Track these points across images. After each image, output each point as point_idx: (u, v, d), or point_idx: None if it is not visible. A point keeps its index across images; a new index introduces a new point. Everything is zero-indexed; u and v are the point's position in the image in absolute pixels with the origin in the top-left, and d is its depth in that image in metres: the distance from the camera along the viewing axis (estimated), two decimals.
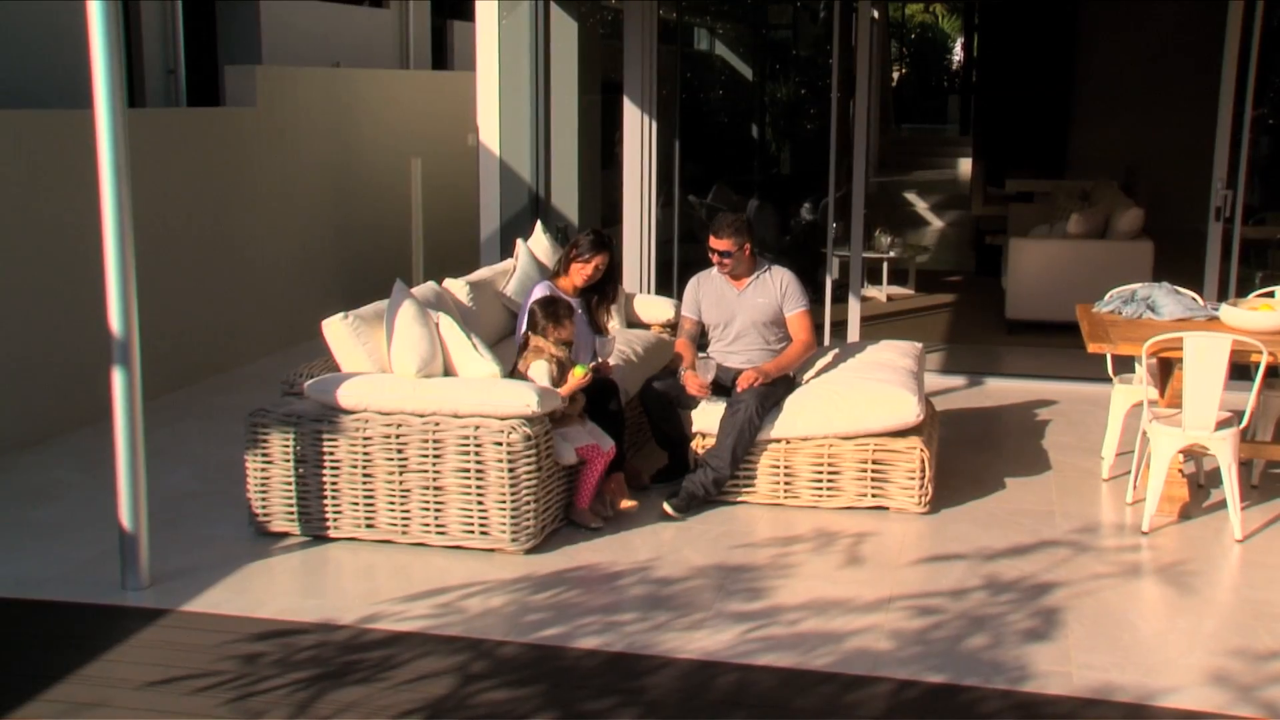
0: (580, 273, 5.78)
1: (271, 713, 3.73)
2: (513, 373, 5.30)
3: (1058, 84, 14.59)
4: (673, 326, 6.97)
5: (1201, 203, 11.87)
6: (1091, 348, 5.40)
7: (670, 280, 9.00)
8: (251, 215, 8.41)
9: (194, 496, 5.73)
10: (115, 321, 4.53)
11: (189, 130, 7.81)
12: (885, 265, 10.82)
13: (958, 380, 7.91)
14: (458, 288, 6.10)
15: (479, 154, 8.86)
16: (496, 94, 8.72)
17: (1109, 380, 7.36)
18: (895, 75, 29.23)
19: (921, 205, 17.91)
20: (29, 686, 3.89)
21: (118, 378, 4.55)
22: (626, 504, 5.40)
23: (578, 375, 5.23)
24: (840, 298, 8.42)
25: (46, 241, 6.61)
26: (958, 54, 32.38)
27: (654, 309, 7.03)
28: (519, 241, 6.73)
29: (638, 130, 8.58)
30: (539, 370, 5.21)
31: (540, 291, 5.68)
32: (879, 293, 10.79)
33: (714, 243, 5.70)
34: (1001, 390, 7.72)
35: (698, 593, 4.64)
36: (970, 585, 4.69)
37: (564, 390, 5.18)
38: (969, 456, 6.29)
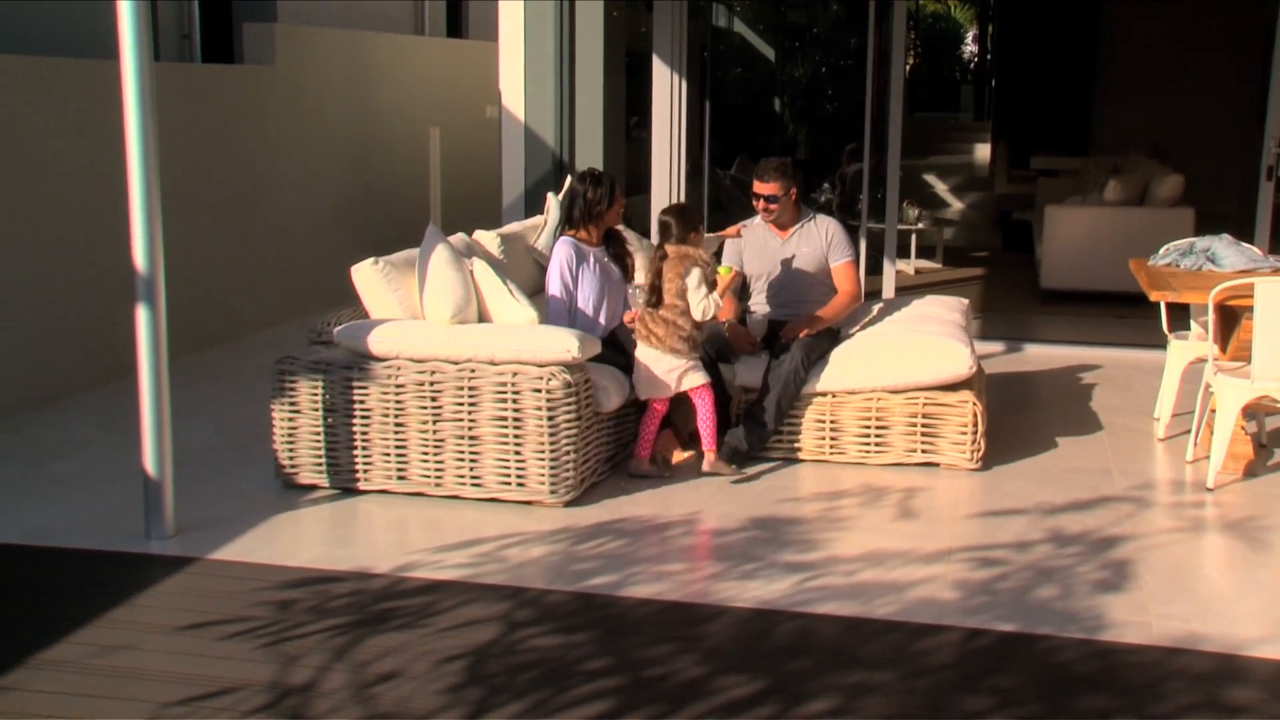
0: (615, 216, 5.49)
1: (308, 657, 3.52)
2: (653, 286, 5.04)
3: (1080, 62, 14.35)
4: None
5: (1232, 180, 11.70)
6: (1154, 296, 5.18)
7: None
8: (269, 178, 8.21)
9: (217, 452, 5.53)
10: (140, 258, 4.32)
11: (206, 87, 7.60)
12: (913, 238, 10.61)
13: (995, 347, 7.68)
14: (488, 239, 5.89)
15: (501, 120, 8.66)
16: (521, 58, 8.51)
17: (1154, 346, 7.17)
18: (908, 65, 29.00)
19: (941, 187, 17.69)
20: (56, 629, 3.69)
21: (142, 317, 4.35)
22: (680, 456, 5.18)
23: (726, 274, 4.98)
24: (872, 270, 8.23)
25: (67, 199, 6.41)
26: (970, 46, 32.23)
27: None
28: (550, 195, 6.52)
29: (666, 93, 8.36)
30: (697, 280, 4.96)
31: (563, 248, 5.41)
32: (907, 266, 10.57)
33: (758, 187, 5.49)
34: (1042, 356, 7.50)
35: (748, 544, 4.44)
36: (1033, 538, 4.48)
37: (721, 289, 4.98)
38: (1016, 418, 6.07)
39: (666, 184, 8.56)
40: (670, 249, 5.08)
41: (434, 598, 3.95)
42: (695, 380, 5.07)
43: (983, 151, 19.32)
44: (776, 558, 4.30)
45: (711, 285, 5.02)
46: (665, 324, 5.02)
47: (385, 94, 9.77)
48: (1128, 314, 8.53)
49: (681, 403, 5.82)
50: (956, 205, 17.21)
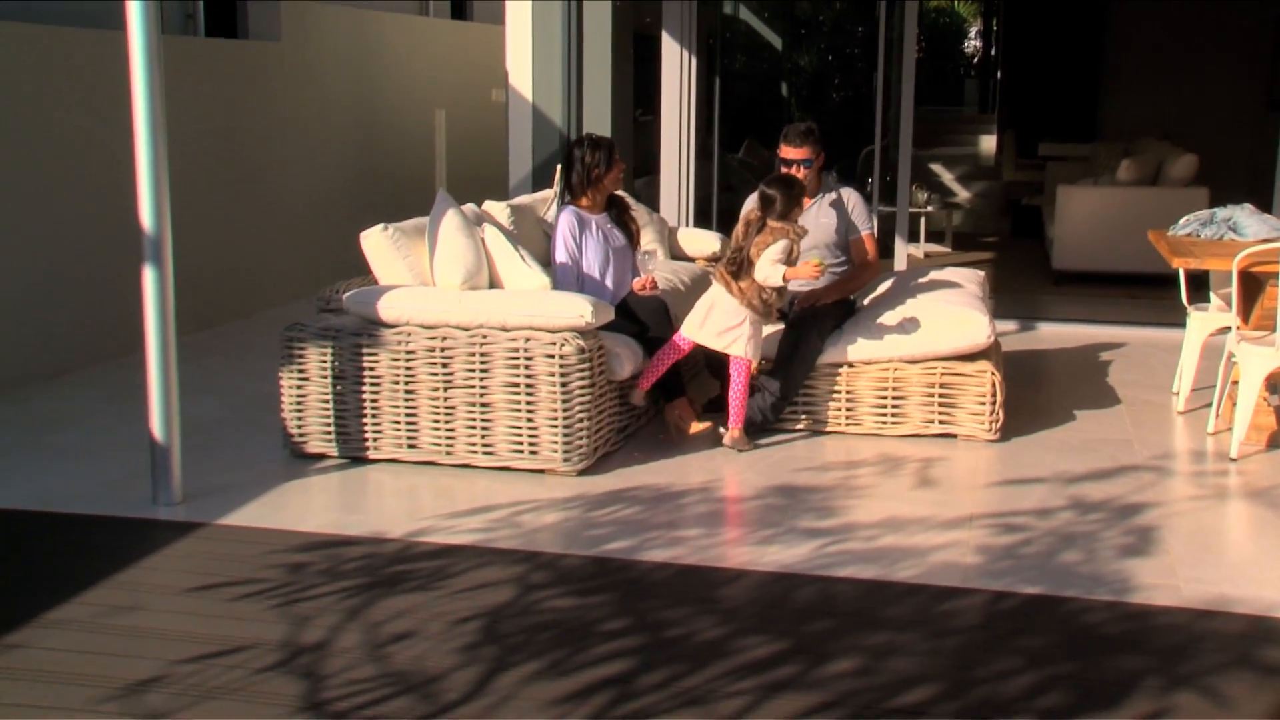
0: (614, 180, 5.38)
1: (320, 618, 3.45)
2: (736, 255, 4.95)
3: (1087, 51, 14.25)
4: (717, 259, 6.68)
5: (1242, 167, 11.59)
6: (1176, 263, 5.11)
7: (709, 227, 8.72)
8: (274, 156, 8.13)
9: (224, 423, 5.45)
10: (147, 218, 4.24)
11: (210, 62, 7.52)
12: (922, 221, 10.54)
13: (1008, 325, 7.59)
14: (498, 210, 5.80)
15: (508, 100, 8.58)
16: (529, 36, 8.43)
17: (1170, 325, 7.10)
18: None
19: (948, 176, 17.61)
20: (62, 590, 3.62)
21: (149, 279, 4.27)
22: (697, 427, 5.09)
23: (813, 263, 4.87)
24: (883, 253, 8.15)
25: (74, 172, 6.34)
26: (973, 41, 32.23)
27: (698, 242, 6.75)
28: (559, 167, 6.43)
29: (676, 72, 8.29)
30: (779, 248, 4.85)
31: (566, 216, 5.33)
32: (916, 250, 10.49)
33: (790, 152, 5.35)
34: (1055, 334, 7.43)
35: (765, 511, 4.36)
36: (1055, 505, 4.40)
37: (790, 274, 4.88)
38: (1031, 392, 5.99)
39: (676, 164, 8.49)
40: (772, 223, 4.93)
41: (447, 561, 3.87)
42: (741, 350, 4.96)
43: (988, 143, 19.23)
44: (795, 524, 4.22)
45: (790, 263, 4.91)
46: (749, 283, 4.93)
47: (391, 75, 9.69)
48: (1142, 294, 8.46)
49: (698, 373, 5.75)
50: (963, 194, 17.14)
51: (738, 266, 4.96)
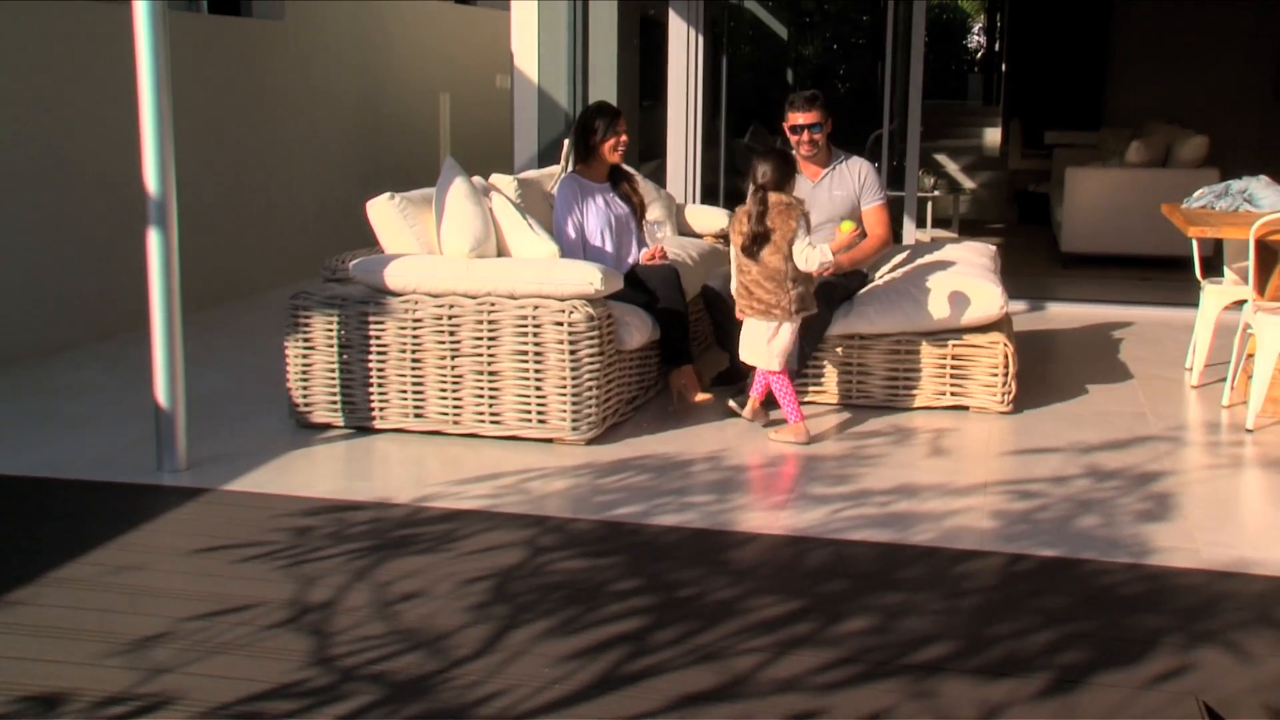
0: (614, 149, 5.29)
1: (328, 578, 3.40)
2: (755, 235, 4.64)
3: (1093, 38, 14.18)
4: (725, 237, 6.63)
5: (1249, 154, 11.52)
6: (1192, 231, 5.05)
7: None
8: (277, 136, 8.08)
9: (229, 396, 5.40)
10: (151, 181, 4.20)
11: (213, 39, 7.47)
12: (929, 206, 10.48)
13: (1017, 306, 7.50)
14: (505, 184, 5.74)
15: (514, 82, 8.53)
16: (535, 18, 8.38)
17: (1181, 304, 7.04)
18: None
19: (953, 167, 17.56)
20: (66, 550, 3.57)
21: (153, 241, 4.22)
22: (701, 396, 5.04)
23: (847, 230, 4.68)
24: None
25: (78, 148, 6.29)
26: (976, 36, 32.22)
27: (706, 218, 6.70)
28: (566, 142, 6.38)
29: (683, 50, 8.23)
30: (806, 225, 4.64)
31: (565, 184, 5.27)
32: (923, 235, 10.43)
33: (797, 118, 5.25)
34: (1065, 314, 7.37)
35: (776, 478, 4.31)
36: (1070, 473, 4.35)
37: (836, 245, 4.67)
38: (1043, 367, 5.93)
39: (682, 147, 8.44)
40: (773, 197, 4.66)
41: (455, 525, 3.82)
42: (779, 362, 4.72)
43: (993, 136, 19.17)
44: (807, 490, 4.17)
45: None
46: (767, 280, 4.64)
47: (395, 58, 9.64)
48: (1152, 276, 8.41)
49: (708, 347, 5.70)
50: (969, 185, 17.08)
51: (758, 247, 4.64)
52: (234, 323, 7.00)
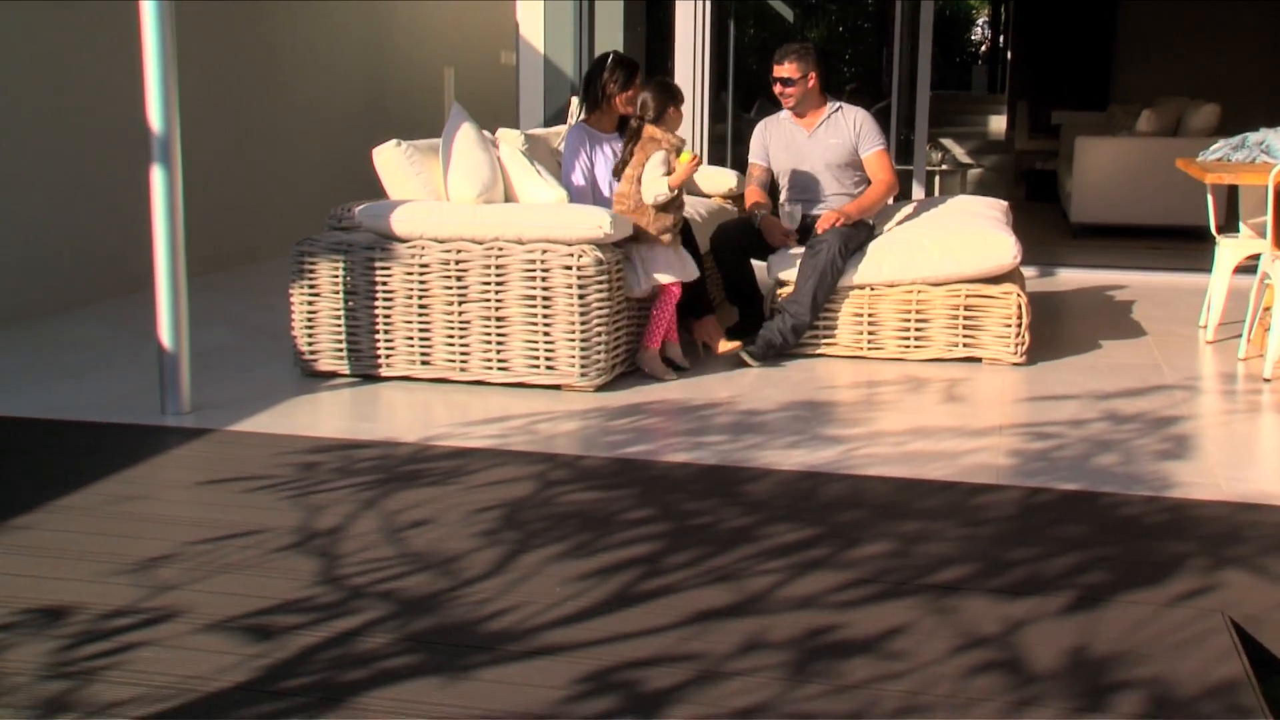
0: (628, 102, 5.19)
1: (335, 507, 3.34)
2: (618, 176, 4.80)
3: (1101, 17, 14.10)
4: (735, 198, 6.57)
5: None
6: (1210, 178, 4.99)
7: None
8: (280, 108, 8.02)
9: (233, 348, 5.34)
10: (155, 119, 4.14)
11: (217, 7, 7.40)
12: (936, 180, 10.42)
13: (1028, 272, 7.47)
14: (512, 138, 5.69)
15: (519, 52, 8.47)
16: None
17: (1193, 270, 6.99)
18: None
19: (959, 151, 17.49)
20: (71, 482, 3.52)
21: (158, 178, 4.16)
22: (726, 346, 4.95)
23: (685, 161, 4.68)
24: None
25: (82, 109, 6.23)
26: (981, 28, 32.21)
27: (716, 180, 6.64)
28: (573, 99, 6.33)
29: (690, 30, 8.17)
30: (656, 162, 4.67)
31: (574, 134, 5.21)
32: None
33: (775, 70, 5.28)
34: (1076, 279, 7.30)
35: (789, 421, 4.25)
36: (1088, 417, 4.28)
37: (674, 180, 4.68)
38: (1054, 325, 5.87)
39: (689, 119, 8.38)
40: (647, 130, 4.76)
41: (463, 461, 3.77)
42: (668, 269, 4.77)
43: (998, 123, 19.12)
44: (820, 431, 4.11)
45: (670, 171, 4.72)
46: (625, 203, 4.76)
47: (399, 30, 9.57)
48: (1162, 245, 8.34)
49: (720, 303, 5.64)
50: (976, 172, 17.02)
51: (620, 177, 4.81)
52: (238, 285, 6.95)
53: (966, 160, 16.74)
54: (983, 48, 31.24)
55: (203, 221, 6.99)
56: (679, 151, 4.74)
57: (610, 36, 8.68)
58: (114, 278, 6.47)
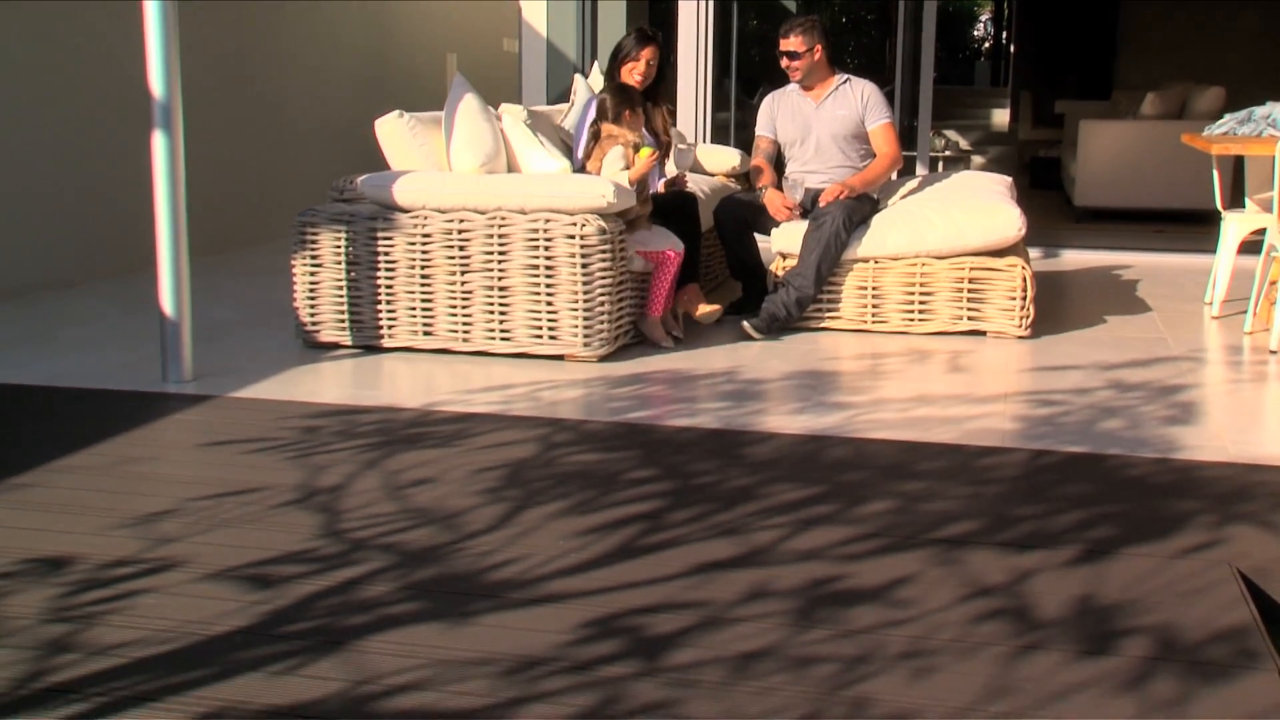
0: (632, 73, 5.27)
1: (337, 467, 3.33)
2: (582, 170, 4.87)
3: (1102, 9, 14.07)
4: (738, 176, 6.56)
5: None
6: (1216, 149, 4.97)
7: None
8: (282, 91, 8.01)
9: (235, 323, 5.33)
10: (156, 84, 4.13)
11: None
12: (940, 166, 10.41)
13: (1032, 253, 7.43)
14: (515, 112, 5.67)
15: (522, 35, 8.45)
16: None
17: (1198, 251, 6.97)
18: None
19: (963, 143, 17.47)
20: (73, 443, 3.50)
21: (159, 142, 4.14)
22: (705, 309, 4.96)
23: (644, 156, 4.75)
24: None
25: (88, 88, 6.22)
26: (984, 22, 32.21)
27: (719, 157, 6.62)
28: (577, 76, 6.31)
29: (692, 18, 8.14)
30: (615, 156, 4.76)
31: (591, 107, 5.21)
32: None
33: (781, 44, 5.27)
34: (1080, 259, 7.28)
35: (792, 389, 4.23)
36: (1093, 386, 4.27)
37: (633, 174, 4.72)
38: (1059, 302, 5.85)
39: (692, 103, 8.35)
40: (604, 127, 4.90)
41: (466, 425, 3.75)
42: (648, 244, 4.81)
43: (1001, 116, 19.11)
44: (824, 399, 4.10)
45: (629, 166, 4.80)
46: None
47: (402, 14, 9.55)
48: (1166, 229, 8.32)
49: (723, 282, 5.62)
50: (979, 160, 16.99)
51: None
52: (240, 266, 6.94)
53: (968, 148, 16.73)
54: (986, 44, 31.27)
55: (204, 204, 6.98)
56: (638, 149, 4.80)
57: (614, 23, 8.66)
58: (116, 256, 6.46)
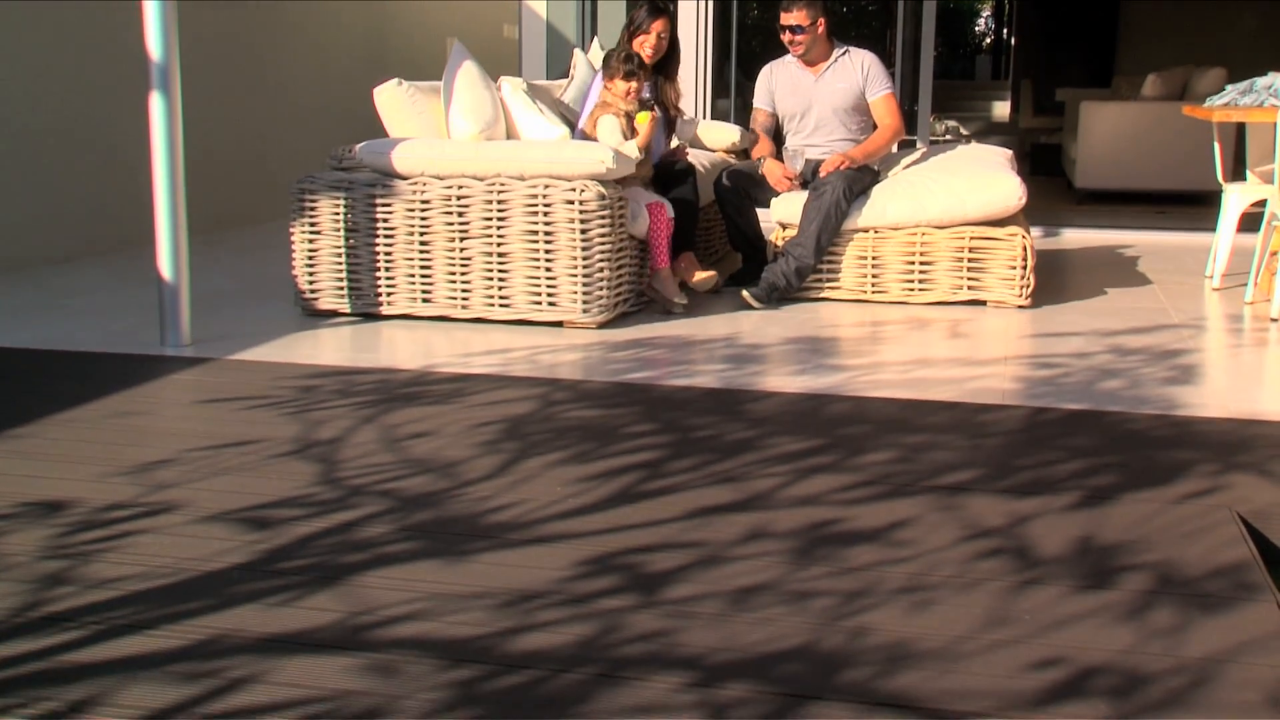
0: (643, 46, 5.24)
1: (335, 421, 3.32)
2: (583, 138, 4.86)
3: (1104, 7, 14.05)
4: (739, 152, 6.54)
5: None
6: (1217, 116, 4.95)
7: None
8: (283, 73, 8.00)
9: (233, 293, 5.32)
10: (154, 48, 4.12)
11: None
12: None
13: (1033, 233, 7.44)
14: (515, 83, 5.66)
15: (521, 25, 8.44)
16: None
17: (1198, 229, 6.96)
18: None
19: (964, 132, 17.47)
20: (70, 399, 3.50)
21: (156, 107, 4.13)
22: (701, 275, 4.95)
23: (644, 121, 4.73)
24: None
25: (88, 67, 6.21)
26: (985, 17, 32.22)
27: (719, 133, 6.60)
28: (576, 51, 6.29)
29: (692, 7, 8.13)
30: (608, 125, 4.75)
31: (600, 82, 5.21)
32: None
33: (783, 18, 5.25)
34: (1081, 238, 7.27)
35: (792, 353, 4.22)
36: (1093, 350, 4.26)
37: (640, 141, 4.72)
38: (1060, 276, 5.84)
39: (692, 92, 8.35)
40: (605, 87, 4.87)
41: (464, 384, 3.74)
42: (644, 199, 4.82)
43: (1001, 109, 19.11)
44: (824, 361, 4.09)
45: (632, 134, 4.79)
46: None
47: (402, 7, 9.55)
48: (1167, 210, 8.31)
49: (725, 256, 5.61)
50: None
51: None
52: (237, 243, 6.93)
53: (968, 135, 16.72)
54: (986, 40, 31.26)
55: (202, 183, 6.98)
56: (630, 118, 4.80)
57: (614, 6, 8.64)
58: (118, 231, 6.45)
